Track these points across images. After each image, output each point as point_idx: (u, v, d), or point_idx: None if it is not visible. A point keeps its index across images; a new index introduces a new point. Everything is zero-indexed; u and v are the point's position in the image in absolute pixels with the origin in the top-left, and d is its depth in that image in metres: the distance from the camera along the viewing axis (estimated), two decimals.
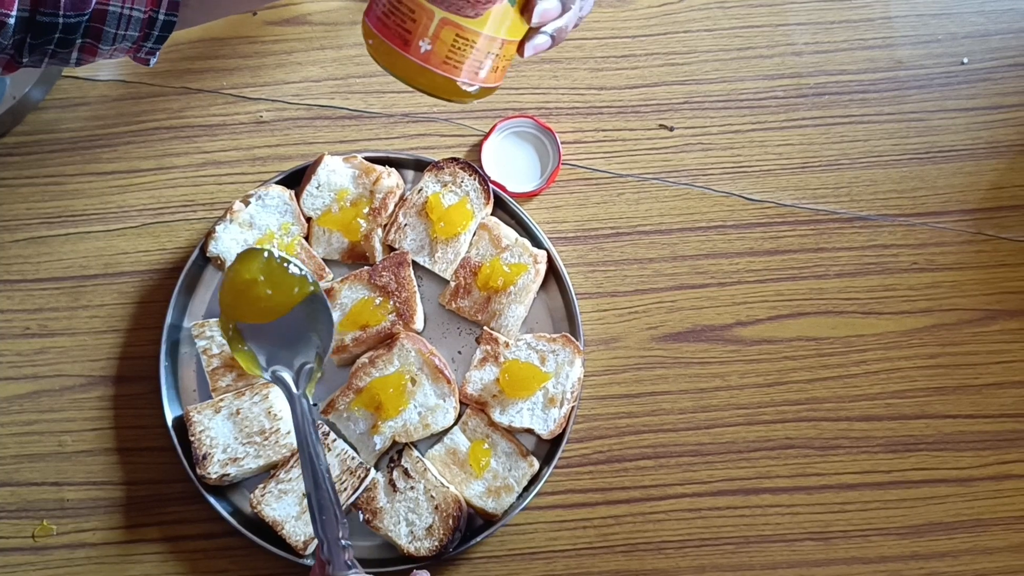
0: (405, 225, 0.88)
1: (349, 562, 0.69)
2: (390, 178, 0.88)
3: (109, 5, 0.71)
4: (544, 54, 0.93)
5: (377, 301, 0.85)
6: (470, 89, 0.63)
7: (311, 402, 0.76)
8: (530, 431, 0.84)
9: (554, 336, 0.85)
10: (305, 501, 0.80)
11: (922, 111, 0.93)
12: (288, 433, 0.83)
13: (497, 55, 0.63)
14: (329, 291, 0.86)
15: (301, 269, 0.78)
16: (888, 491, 0.85)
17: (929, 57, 0.94)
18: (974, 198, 0.91)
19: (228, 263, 0.85)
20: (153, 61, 0.78)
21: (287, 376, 0.76)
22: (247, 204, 0.88)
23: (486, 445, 0.83)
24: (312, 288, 0.78)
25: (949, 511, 0.85)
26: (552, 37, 0.66)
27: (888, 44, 0.94)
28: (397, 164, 0.90)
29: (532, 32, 0.65)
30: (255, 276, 0.78)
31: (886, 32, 0.94)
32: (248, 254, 0.79)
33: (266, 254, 0.78)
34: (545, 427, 0.83)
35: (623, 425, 0.87)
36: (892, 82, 0.93)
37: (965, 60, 0.94)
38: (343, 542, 0.70)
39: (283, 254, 0.78)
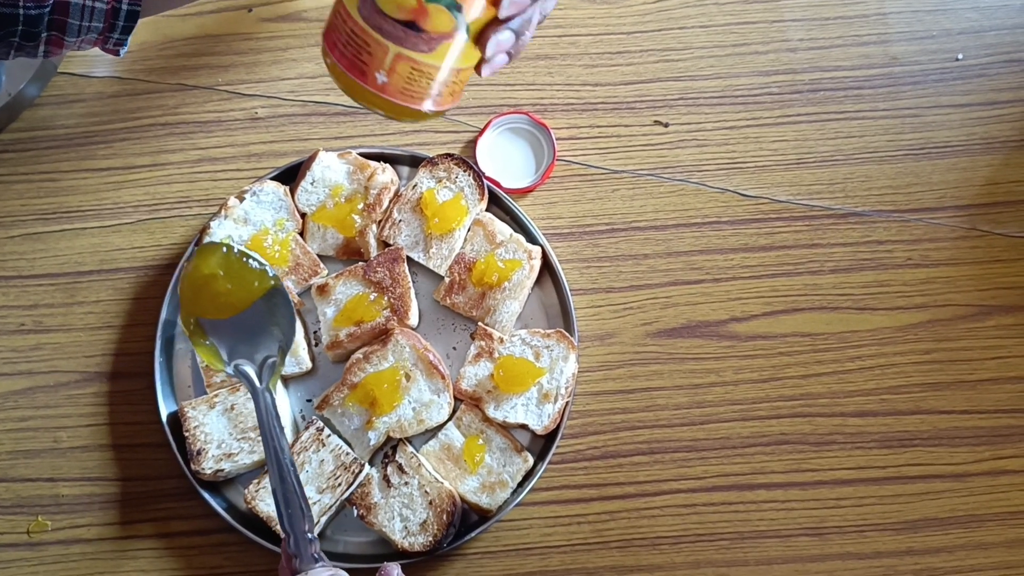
0: (400, 221, 0.88)
1: (316, 555, 0.70)
2: (385, 174, 0.88)
3: None
4: (538, 50, 0.94)
5: (372, 297, 0.85)
6: (428, 111, 0.64)
7: (274, 395, 0.76)
8: (524, 427, 0.84)
9: (549, 332, 0.85)
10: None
11: (917, 107, 0.93)
12: (283, 429, 0.83)
13: (454, 81, 0.64)
14: (324, 287, 0.86)
15: (261, 263, 0.78)
16: (883, 487, 0.85)
17: (924, 53, 0.94)
18: (969, 194, 0.91)
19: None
20: (123, 52, 0.78)
21: (250, 370, 0.77)
22: (242, 200, 0.88)
23: (480, 441, 0.83)
24: (272, 282, 0.78)
25: (944, 507, 0.85)
26: (509, 55, 0.66)
27: (883, 40, 0.94)
28: (392, 160, 0.90)
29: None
30: (214, 271, 0.78)
31: (881, 28, 0.94)
32: (207, 249, 0.79)
33: (225, 249, 0.78)
34: (539, 423, 0.83)
35: (618, 421, 0.87)
36: (887, 78, 0.93)
37: (960, 56, 0.94)
38: (309, 535, 0.70)
39: (242, 248, 0.78)
